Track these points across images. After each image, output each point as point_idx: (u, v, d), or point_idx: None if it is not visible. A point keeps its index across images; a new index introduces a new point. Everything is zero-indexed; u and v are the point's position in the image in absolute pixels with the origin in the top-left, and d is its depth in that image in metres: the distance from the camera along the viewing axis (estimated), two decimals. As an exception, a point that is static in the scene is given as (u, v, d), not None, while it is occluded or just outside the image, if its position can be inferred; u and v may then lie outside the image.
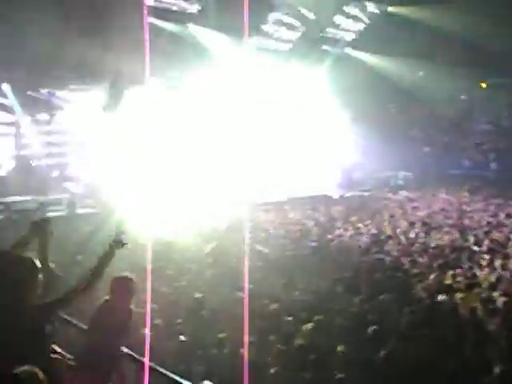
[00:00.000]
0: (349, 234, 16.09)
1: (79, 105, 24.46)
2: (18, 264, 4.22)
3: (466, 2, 28.66)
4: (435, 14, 30.73)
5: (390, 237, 15.23)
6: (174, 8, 26.16)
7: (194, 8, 26.76)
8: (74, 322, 6.50)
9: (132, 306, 5.79)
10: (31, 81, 22.65)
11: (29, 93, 23.02)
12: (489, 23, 27.51)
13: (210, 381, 5.49)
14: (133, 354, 5.74)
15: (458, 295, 9.25)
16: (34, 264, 4.27)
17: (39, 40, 19.78)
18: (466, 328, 7.93)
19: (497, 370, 6.37)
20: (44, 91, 23.43)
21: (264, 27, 29.62)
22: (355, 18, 32.81)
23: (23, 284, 4.12)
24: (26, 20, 19.27)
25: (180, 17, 26.61)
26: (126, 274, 6.14)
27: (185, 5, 26.46)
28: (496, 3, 27.29)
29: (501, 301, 8.90)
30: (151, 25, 25.25)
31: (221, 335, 7.72)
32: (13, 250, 4.76)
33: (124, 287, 5.79)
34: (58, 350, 5.24)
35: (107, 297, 5.85)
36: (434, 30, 31.22)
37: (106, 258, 4.62)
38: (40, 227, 5.18)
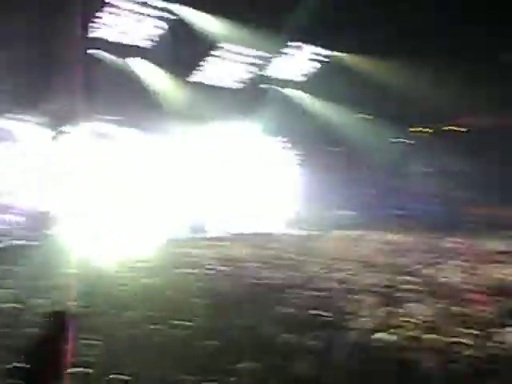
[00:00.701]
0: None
1: (20, 136, 23.70)
2: None
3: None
4: (373, 64, 31.42)
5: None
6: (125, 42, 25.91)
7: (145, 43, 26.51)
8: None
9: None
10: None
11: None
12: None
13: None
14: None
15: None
16: None
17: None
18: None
19: None
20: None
21: (209, 66, 29.49)
22: (300, 62, 33.04)
23: None
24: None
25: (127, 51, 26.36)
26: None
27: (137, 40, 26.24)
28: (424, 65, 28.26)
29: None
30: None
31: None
32: None
33: None
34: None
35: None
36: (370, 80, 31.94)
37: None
38: None
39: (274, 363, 7.56)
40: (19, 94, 21.75)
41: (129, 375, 6.61)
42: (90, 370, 6.69)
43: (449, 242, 22.84)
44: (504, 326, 9.52)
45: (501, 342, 8.56)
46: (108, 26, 24.91)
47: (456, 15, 25.35)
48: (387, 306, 11.07)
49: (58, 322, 5.46)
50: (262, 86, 31.70)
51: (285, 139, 33.57)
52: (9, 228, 21.03)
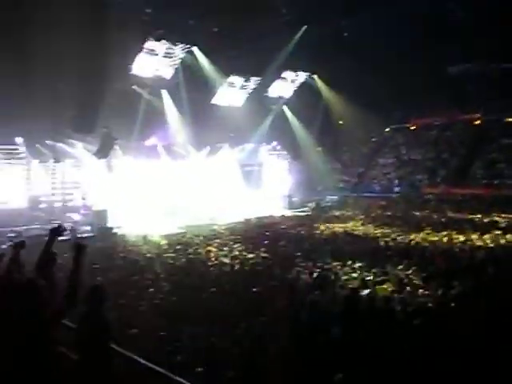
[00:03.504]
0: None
1: (77, 152, 24.14)
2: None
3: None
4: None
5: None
6: (150, 75, 26.03)
7: (167, 73, 26.63)
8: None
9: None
10: (39, 134, 22.19)
11: (37, 145, 22.65)
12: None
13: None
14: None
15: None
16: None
17: (45, 102, 19.35)
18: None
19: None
20: (49, 142, 23.02)
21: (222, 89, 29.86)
22: (290, 82, 33.41)
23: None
24: (39, 86, 18.86)
25: (155, 83, 26.51)
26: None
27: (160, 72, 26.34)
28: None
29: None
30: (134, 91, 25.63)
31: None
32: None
33: None
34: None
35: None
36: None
37: (77, 266, 3.92)
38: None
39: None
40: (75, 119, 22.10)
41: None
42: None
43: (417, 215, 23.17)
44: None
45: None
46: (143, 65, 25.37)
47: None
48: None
49: (97, 295, 4.68)
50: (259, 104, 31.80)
51: (278, 143, 34.20)
52: (73, 225, 21.26)
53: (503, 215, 20.77)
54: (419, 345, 5.83)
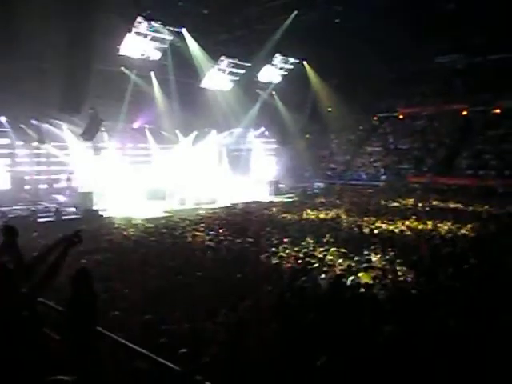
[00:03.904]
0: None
1: (63, 133, 23.78)
2: None
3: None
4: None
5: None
6: (138, 57, 25.59)
7: (155, 56, 26.18)
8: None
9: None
10: (23, 114, 21.82)
11: (22, 125, 22.27)
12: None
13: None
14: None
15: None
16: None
17: (30, 82, 18.99)
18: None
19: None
20: (34, 123, 22.65)
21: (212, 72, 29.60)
22: (280, 68, 33.22)
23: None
24: (24, 68, 18.52)
25: (143, 65, 26.08)
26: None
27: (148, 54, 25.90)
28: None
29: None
30: (121, 72, 25.24)
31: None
32: None
33: None
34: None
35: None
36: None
37: (63, 254, 3.98)
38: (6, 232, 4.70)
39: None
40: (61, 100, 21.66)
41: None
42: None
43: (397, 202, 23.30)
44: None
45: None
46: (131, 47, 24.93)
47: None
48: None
49: (83, 278, 4.55)
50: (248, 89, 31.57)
51: (266, 129, 34.08)
52: (58, 206, 21.14)
53: (486, 206, 20.99)
54: (401, 329, 5.92)
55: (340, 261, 10.63)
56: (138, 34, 24.57)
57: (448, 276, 8.89)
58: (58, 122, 23.49)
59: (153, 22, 24.41)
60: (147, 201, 23.38)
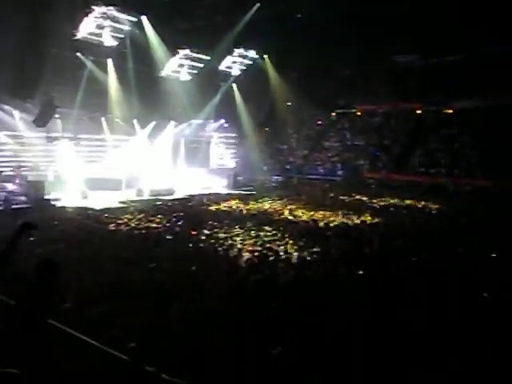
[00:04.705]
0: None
1: (14, 120, 22.86)
2: None
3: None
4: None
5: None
6: (95, 43, 24.76)
7: (113, 42, 25.34)
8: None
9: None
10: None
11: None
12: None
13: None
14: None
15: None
16: None
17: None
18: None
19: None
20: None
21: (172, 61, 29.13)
22: (241, 60, 33.14)
23: None
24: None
25: (100, 51, 25.26)
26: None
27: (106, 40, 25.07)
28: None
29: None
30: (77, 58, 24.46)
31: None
32: None
33: None
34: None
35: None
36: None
37: (17, 236, 4.28)
38: None
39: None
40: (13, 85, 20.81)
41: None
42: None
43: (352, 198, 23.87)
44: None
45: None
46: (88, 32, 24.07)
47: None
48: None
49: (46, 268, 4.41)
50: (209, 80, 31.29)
51: (225, 121, 33.95)
52: (7, 195, 20.32)
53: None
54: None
55: (296, 253, 10.94)
56: (96, 18, 23.80)
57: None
58: (8, 107, 22.47)
59: (112, 7, 23.69)
60: (102, 191, 22.87)
